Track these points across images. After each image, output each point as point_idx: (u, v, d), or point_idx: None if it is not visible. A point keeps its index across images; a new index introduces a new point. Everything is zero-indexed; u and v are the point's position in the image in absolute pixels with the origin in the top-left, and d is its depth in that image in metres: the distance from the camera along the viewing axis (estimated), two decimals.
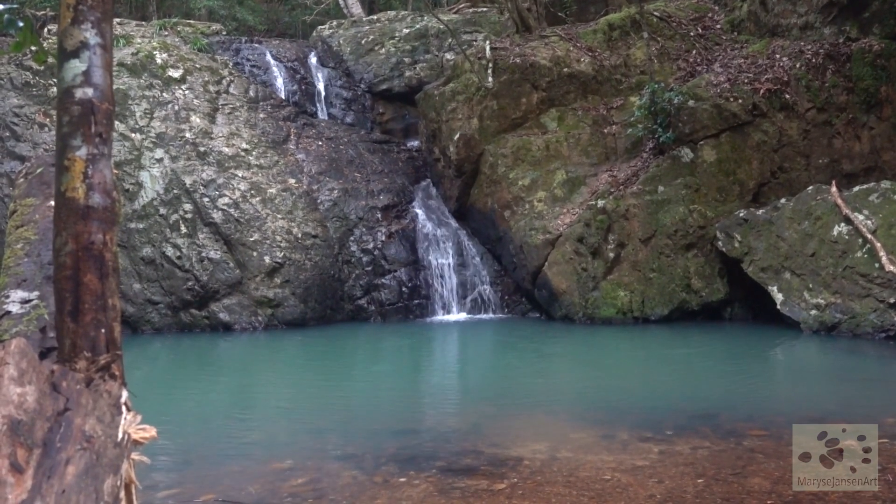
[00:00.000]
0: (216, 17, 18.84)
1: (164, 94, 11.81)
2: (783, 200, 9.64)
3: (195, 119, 11.74)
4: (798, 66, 10.73)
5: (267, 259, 10.78)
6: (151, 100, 11.66)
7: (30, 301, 2.63)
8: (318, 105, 14.09)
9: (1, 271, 2.90)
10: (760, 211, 9.72)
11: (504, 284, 11.66)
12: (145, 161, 11.11)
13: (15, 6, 3.21)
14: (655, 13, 12.56)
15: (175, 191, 10.99)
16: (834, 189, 9.17)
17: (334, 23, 16.12)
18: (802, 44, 11.03)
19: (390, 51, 14.51)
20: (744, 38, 12.06)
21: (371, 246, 11.62)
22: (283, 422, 5.81)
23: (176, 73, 12.15)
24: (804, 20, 11.31)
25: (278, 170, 11.77)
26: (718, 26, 12.60)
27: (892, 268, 8.17)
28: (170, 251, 10.66)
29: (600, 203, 10.47)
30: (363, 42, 14.76)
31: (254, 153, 11.77)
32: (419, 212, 12.32)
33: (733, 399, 5.98)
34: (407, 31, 14.85)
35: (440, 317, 11.33)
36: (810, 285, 8.88)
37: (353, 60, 14.58)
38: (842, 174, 10.28)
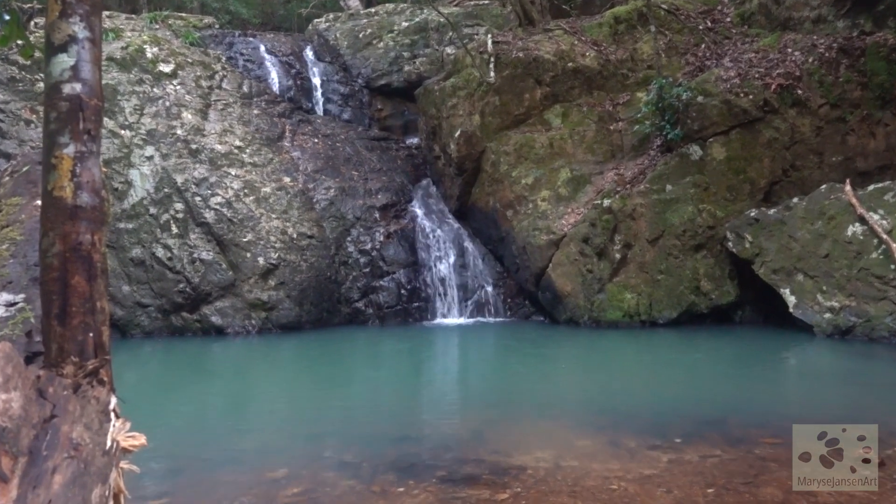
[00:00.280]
0: (209, 9, 18.59)
1: (155, 90, 11.49)
2: (795, 200, 9.48)
3: (187, 115, 11.41)
4: (811, 60, 10.44)
5: (261, 260, 10.45)
6: (142, 95, 11.32)
7: (15, 304, 2.61)
8: (314, 101, 13.81)
9: None
10: (772, 210, 9.55)
11: (506, 286, 11.37)
12: (135, 159, 10.79)
13: None
14: (663, 6, 12.32)
15: (166, 189, 10.67)
16: (848, 188, 9.03)
17: (331, 16, 15.87)
18: (815, 37, 10.80)
19: (389, 45, 14.23)
20: (754, 32, 11.82)
21: (369, 247, 11.29)
22: (277, 429, 5.68)
23: (167, 68, 11.81)
24: (817, 13, 11.06)
25: (273, 168, 11.45)
26: (728, 19, 12.37)
27: None
28: (160, 252, 10.34)
29: (606, 202, 10.20)
30: (361, 36, 14.46)
31: (247, 151, 11.45)
32: (419, 211, 12.04)
33: (744, 405, 5.83)
34: (406, 24, 14.55)
35: (440, 320, 11.05)
36: (824, 287, 8.68)
37: (351, 55, 14.30)
38: (856, 172, 10.05)
